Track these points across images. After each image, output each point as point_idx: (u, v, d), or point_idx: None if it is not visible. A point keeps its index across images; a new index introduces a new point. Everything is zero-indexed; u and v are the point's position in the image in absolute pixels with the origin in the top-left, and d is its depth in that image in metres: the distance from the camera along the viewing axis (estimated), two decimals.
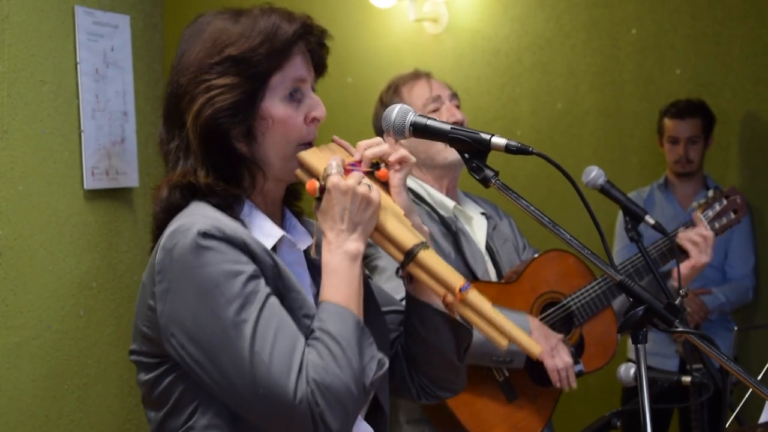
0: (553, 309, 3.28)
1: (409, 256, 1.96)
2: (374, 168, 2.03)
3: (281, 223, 2.11)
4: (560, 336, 3.16)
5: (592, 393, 5.28)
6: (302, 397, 1.79)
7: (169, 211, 1.98)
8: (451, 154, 3.16)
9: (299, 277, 1.99)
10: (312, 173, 1.98)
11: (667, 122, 5.08)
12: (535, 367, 3.15)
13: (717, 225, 3.43)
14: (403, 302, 2.18)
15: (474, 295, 1.94)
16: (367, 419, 2.08)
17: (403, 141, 3.14)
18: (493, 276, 3.27)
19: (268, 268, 1.91)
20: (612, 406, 3.75)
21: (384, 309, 2.18)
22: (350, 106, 5.50)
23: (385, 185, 2.04)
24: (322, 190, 1.95)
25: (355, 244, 1.93)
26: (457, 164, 3.21)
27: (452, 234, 3.22)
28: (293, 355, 1.81)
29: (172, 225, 1.91)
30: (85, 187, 3.44)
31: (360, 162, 2.01)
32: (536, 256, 3.31)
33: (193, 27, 2.03)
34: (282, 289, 1.92)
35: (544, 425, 3.17)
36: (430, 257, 1.97)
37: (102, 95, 3.51)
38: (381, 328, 2.11)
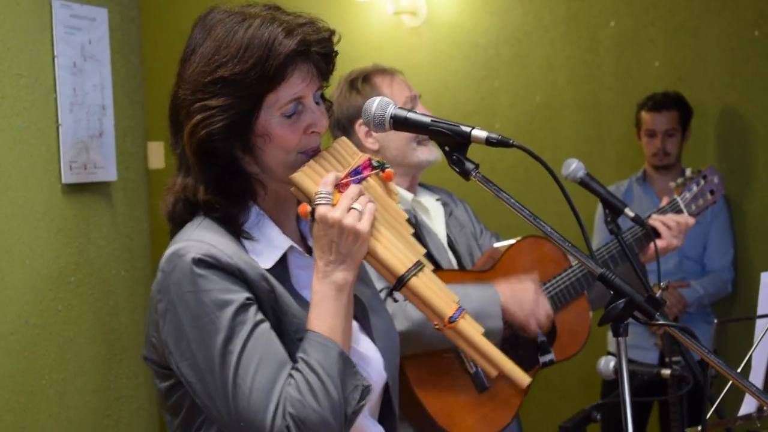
0: None
1: (400, 282, 1.97)
2: (380, 167, 2.04)
3: (296, 225, 2.13)
4: (533, 288, 3.10)
5: (571, 386, 5.29)
6: (278, 431, 1.84)
7: (176, 223, 2.03)
8: (423, 153, 3.18)
9: (307, 282, 2.00)
10: (306, 195, 1.97)
11: (644, 115, 5.10)
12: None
13: (693, 207, 3.42)
14: None
15: (464, 325, 1.96)
16: (379, 421, 2.12)
17: (376, 135, 3.14)
18: (454, 264, 3.26)
19: (263, 293, 1.94)
20: (591, 400, 3.76)
21: None
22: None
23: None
24: (314, 213, 1.94)
25: (342, 275, 1.94)
26: (427, 164, 3.22)
27: (413, 227, 3.21)
28: (273, 389, 1.86)
29: (171, 246, 1.95)
30: (63, 181, 3.41)
31: (369, 162, 2.02)
32: (514, 242, 3.29)
33: (201, 25, 2.00)
34: (279, 313, 1.96)
35: (513, 416, 3.16)
36: (421, 284, 1.97)
37: (80, 89, 3.49)
38: (389, 333, 2.17)
